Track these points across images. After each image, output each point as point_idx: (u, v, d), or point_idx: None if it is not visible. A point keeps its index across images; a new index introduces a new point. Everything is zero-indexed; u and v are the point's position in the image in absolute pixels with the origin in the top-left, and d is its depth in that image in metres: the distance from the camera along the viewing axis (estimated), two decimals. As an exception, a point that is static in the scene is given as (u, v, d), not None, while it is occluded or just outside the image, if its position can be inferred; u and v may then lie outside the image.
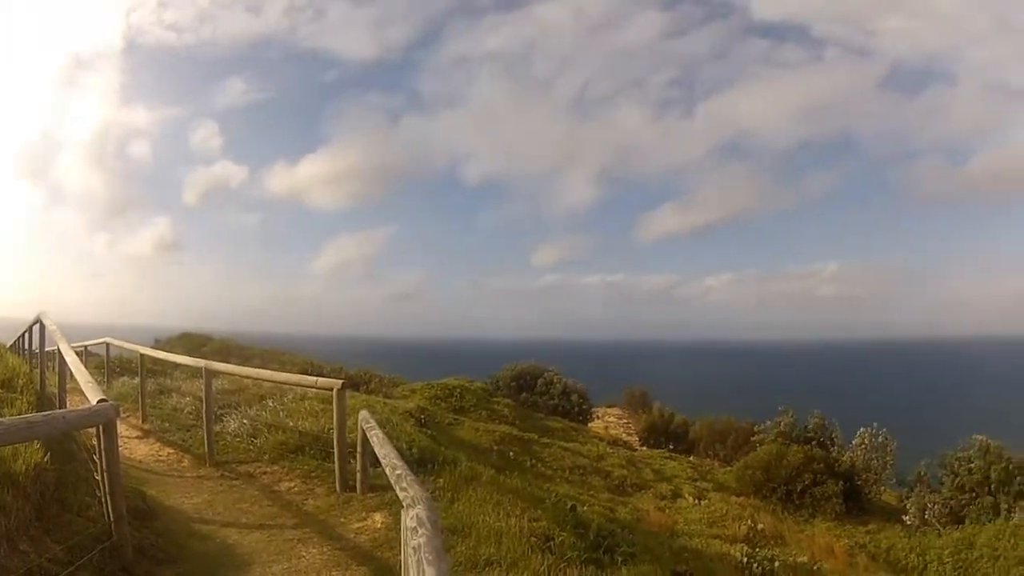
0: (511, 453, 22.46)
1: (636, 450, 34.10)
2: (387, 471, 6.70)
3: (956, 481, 26.90)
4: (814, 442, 30.41)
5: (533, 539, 8.66)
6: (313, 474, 11.71)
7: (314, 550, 8.70)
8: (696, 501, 22.59)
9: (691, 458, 34.92)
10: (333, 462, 11.10)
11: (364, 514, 9.94)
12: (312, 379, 12.35)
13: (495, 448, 22.47)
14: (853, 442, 30.72)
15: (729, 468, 31.93)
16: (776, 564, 13.28)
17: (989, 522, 23.67)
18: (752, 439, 33.41)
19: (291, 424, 13.60)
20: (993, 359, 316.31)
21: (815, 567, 15.42)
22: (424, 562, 4.16)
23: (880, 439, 30.78)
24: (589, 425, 38.91)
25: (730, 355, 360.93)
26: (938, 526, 25.82)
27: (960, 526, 24.17)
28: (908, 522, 27.41)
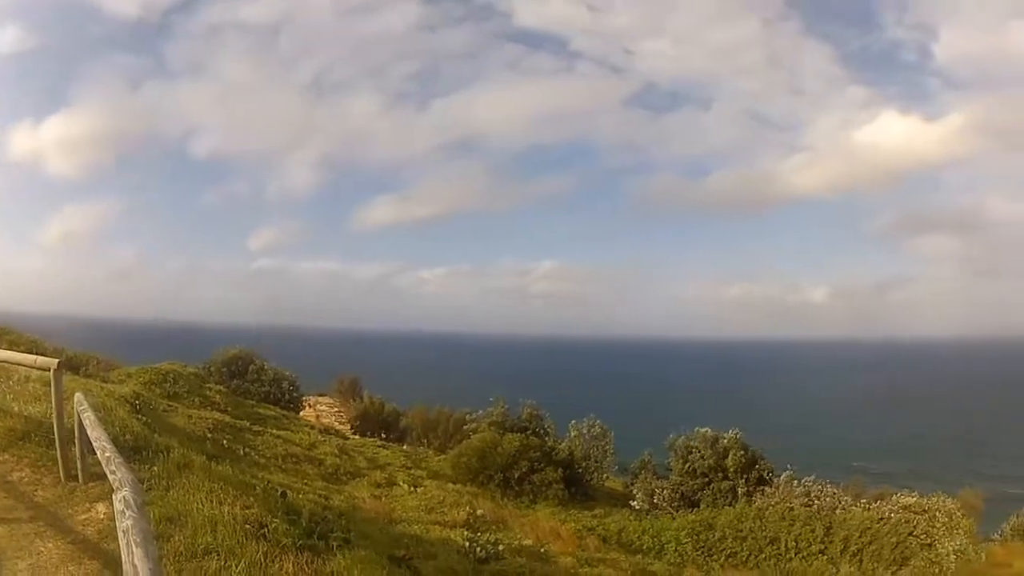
0: (224, 441, 22.00)
1: (348, 438, 34.31)
2: (99, 454, 6.62)
3: (687, 467, 28.57)
4: (528, 431, 31.29)
5: (248, 527, 8.58)
6: (40, 463, 10.98)
7: (51, 544, 8.33)
8: (412, 489, 22.51)
9: (404, 447, 35.39)
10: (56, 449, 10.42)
11: (88, 504, 9.54)
12: (32, 357, 11.52)
13: (209, 436, 21.69)
14: (571, 433, 31.90)
15: (443, 456, 32.57)
16: (500, 548, 13.13)
17: (728, 505, 25.60)
18: (465, 428, 34.35)
19: (16, 409, 12.61)
20: (709, 359, 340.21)
21: (541, 550, 15.39)
22: (133, 544, 4.18)
23: (597, 429, 32.11)
24: (301, 413, 38.98)
25: (443, 346, 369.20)
26: (670, 509, 27.27)
27: (695, 509, 25.81)
28: (637, 506, 28.66)
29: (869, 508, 25.01)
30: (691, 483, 28.28)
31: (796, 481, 26.59)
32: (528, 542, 16.54)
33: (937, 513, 25.08)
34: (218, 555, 7.64)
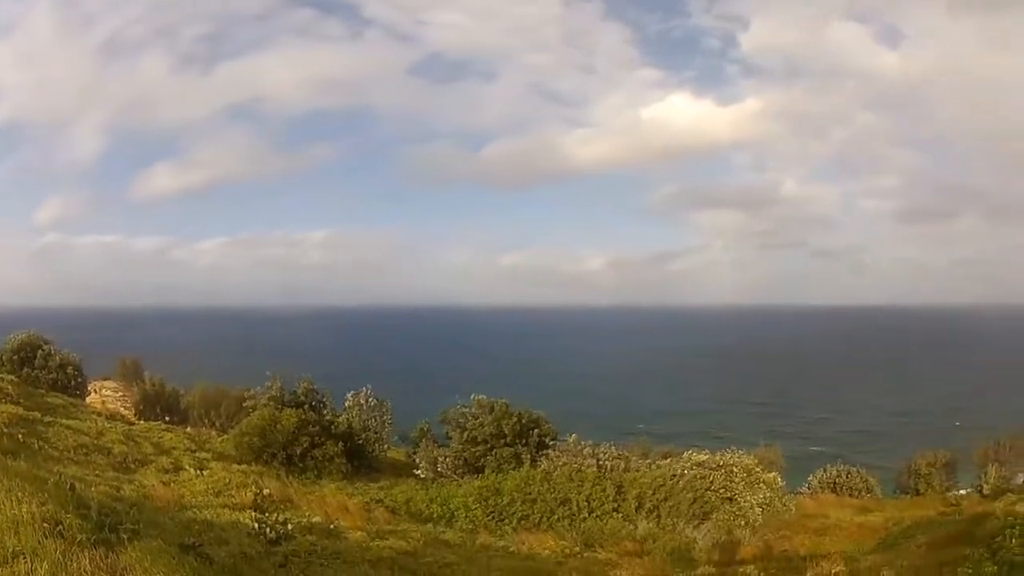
0: (20, 435, 20.90)
1: (134, 424, 33.05)
2: None
3: (466, 435, 28.83)
4: (306, 405, 31.04)
5: (45, 525, 7.98)
6: None
7: None
8: (198, 472, 22.19)
9: (188, 429, 34.52)
10: None
11: None
12: None
13: (4, 430, 20.76)
14: (346, 404, 31.84)
15: (226, 436, 31.82)
16: (290, 527, 13.25)
17: (513, 470, 25.74)
18: (244, 405, 33.56)
19: None
20: (490, 325, 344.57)
21: (331, 526, 15.61)
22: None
23: (374, 400, 32.27)
24: (87, 400, 37.59)
25: (222, 320, 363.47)
26: (455, 476, 27.60)
27: (481, 475, 25.76)
28: (422, 475, 29.18)
29: (659, 466, 25.76)
30: (473, 450, 28.76)
31: (581, 443, 26.96)
32: (317, 519, 16.42)
33: (734, 468, 25.80)
34: (24, 557, 7.26)
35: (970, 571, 12.72)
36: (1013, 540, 13.12)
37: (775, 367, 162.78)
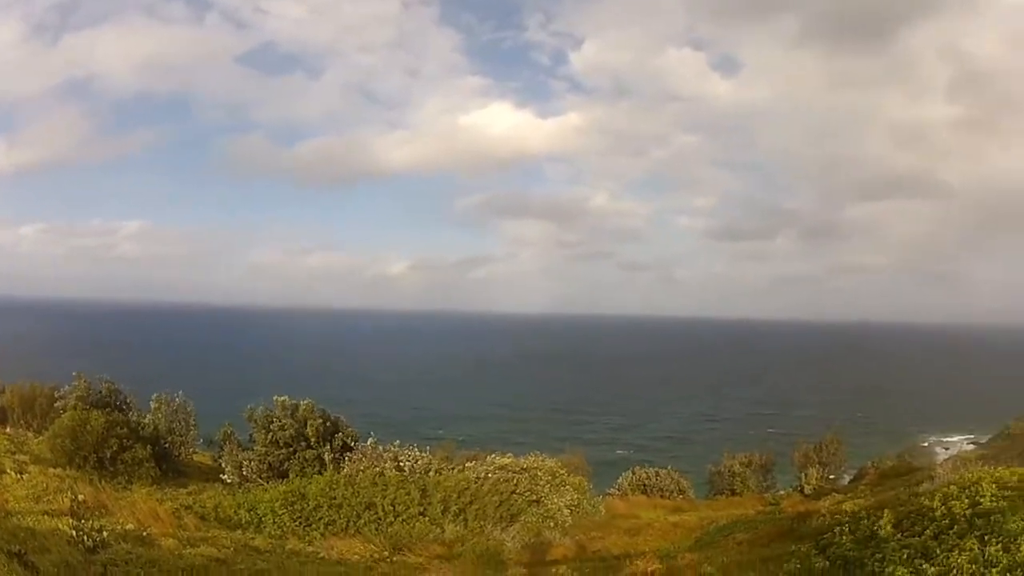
0: None
1: (-43, 427, 31.92)
2: None
3: (269, 437, 28.98)
4: (111, 407, 31.03)
5: None
6: None
7: None
8: (19, 476, 21.99)
9: (8, 430, 33.46)
10: None
11: None
12: None
13: None
14: (152, 405, 31.64)
15: (41, 438, 30.94)
16: (105, 534, 13.54)
17: (317, 474, 26.18)
18: (55, 405, 33.04)
19: None
20: (296, 327, 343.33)
21: (144, 533, 15.82)
22: None
23: (179, 401, 32.20)
24: None
25: (37, 312, 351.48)
26: (261, 481, 27.59)
27: (285, 480, 26.16)
28: (228, 480, 28.94)
29: (463, 469, 26.59)
30: (276, 453, 28.98)
31: (383, 446, 27.65)
32: (130, 526, 16.69)
33: (539, 472, 26.92)
34: None
35: (798, 566, 13.36)
36: (844, 536, 13.83)
37: (580, 374, 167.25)
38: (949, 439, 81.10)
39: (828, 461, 44.29)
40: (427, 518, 22.88)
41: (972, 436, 75.49)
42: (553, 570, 17.00)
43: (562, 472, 28.56)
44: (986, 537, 10.73)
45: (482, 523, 23.20)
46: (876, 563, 11.84)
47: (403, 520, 22.52)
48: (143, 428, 29.92)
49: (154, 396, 32.05)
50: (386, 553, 18.62)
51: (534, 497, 25.72)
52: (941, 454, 54.67)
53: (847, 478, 44.87)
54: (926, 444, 67.92)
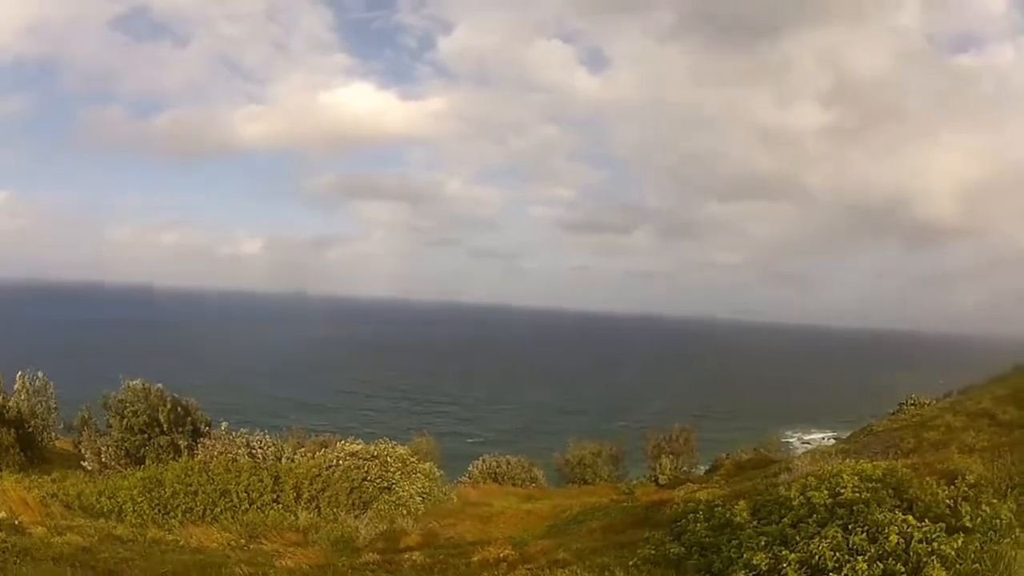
0: None
1: None
2: None
3: (124, 423, 29.41)
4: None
5: None
6: None
7: None
8: None
9: None
10: None
11: None
12: None
13: None
14: (15, 387, 31.65)
15: None
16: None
17: (173, 460, 26.65)
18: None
19: None
20: (151, 306, 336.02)
21: (16, 522, 16.42)
22: None
23: (39, 383, 32.34)
24: None
25: None
26: (119, 468, 28.06)
27: (143, 466, 26.42)
28: (88, 467, 29.37)
29: (315, 457, 27.49)
30: (132, 439, 29.24)
31: (235, 432, 28.47)
32: (3, 515, 17.19)
33: (389, 459, 28.04)
34: None
35: (653, 551, 13.59)
36: (698, 524, 14.16)
37: (429, 362, 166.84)
38: (809, 436, 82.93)
39: (681, 451, 45.56)
40: (280, 505, 23.56)
41: (834, 434, 76.85)
42: (406, 556, 17.22)
43: (412, 459, 29.55)
44: (850, 526, 11.00)
45: (335, 510, 23.89)
46: (733, 549, 12.23)
47: (257, 507, 23.15)
48: (7, 411, 29.74)
49: (19, 374, 31.87)
50: (242, 541, 19.21)
51: (385, 484, 26.81)
52: (800, 448, 55.39)
53: (703, 469, 45.28)
54: (785, 440, 68.84)
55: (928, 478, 12.75)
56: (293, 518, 22.67)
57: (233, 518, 22.21)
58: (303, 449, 29.94)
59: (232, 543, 18.96)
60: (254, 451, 26.82)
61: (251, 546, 18.83)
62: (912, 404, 37.90)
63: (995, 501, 11.39)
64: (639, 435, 50.64)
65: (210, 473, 23.78)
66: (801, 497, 12.81)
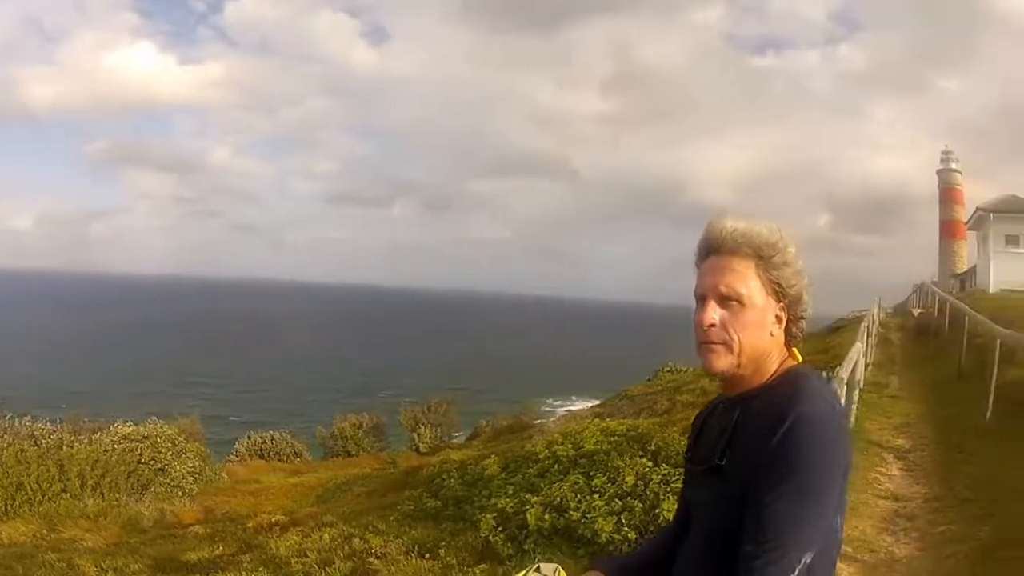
0: None
1: None
2: None
3: None
4: None
5: None
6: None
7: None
8: None
9: None
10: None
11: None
12: None
13: None
14: None
15: None
16: None
17: None
18: None
19: None
20: None
21: None
22: None
23: None
24: None
25: None
26: None
27: None
28: None
29: (92, 442, 27.75)
30: None
31: (17, 422, 28.28)
32: None
33: (159, 439, 29.25)
34: None
35: (412, 507, 14.76)
36: (452, 480, 15.33)
37: (195, 340, 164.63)
38: (569, 404, 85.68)
39: (440, 422, 48.18)
40: (68, 494, 23.71)
41: (597, 402, 78.08)
42: (189, 531, 18.66)
43: (181, 439, 30.78)
44: (591, 473, 11.96)
45: (117, 495, 24.38)
46: (484, 499, 13.35)
47: (49, 498, 23.26)
48: None
49: None
50: (44, 531, 19.87)
51: (159, 466, 27.87)
52: (559, 414, 58.02)
53: (464, 437, 48.36)
54: (546, 409, 70.40)
55: (671, 429, 13.91)
56: (83, 505, 23.07)
57: (31, 511, 22.33)
58: (81, 436, 29.61)
59: (36, 534, 19.64)
60: (38, 441, 26.62)
61: (52, 536, 19.55)
62: (668, 371, 41.34)
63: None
64: (400, 407, 52.27)
65: (3, 466, 23.75)
66: (547, 451, 14.26)
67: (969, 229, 63.59)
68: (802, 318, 2.68)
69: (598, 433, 14.14)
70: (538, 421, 41.45)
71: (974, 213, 57.04)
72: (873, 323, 30.73)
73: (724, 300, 2.56)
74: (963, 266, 67.94)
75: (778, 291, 2.60)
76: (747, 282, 2.56)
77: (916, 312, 43.41)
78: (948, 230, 74.53)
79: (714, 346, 2.57)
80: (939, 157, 78.49)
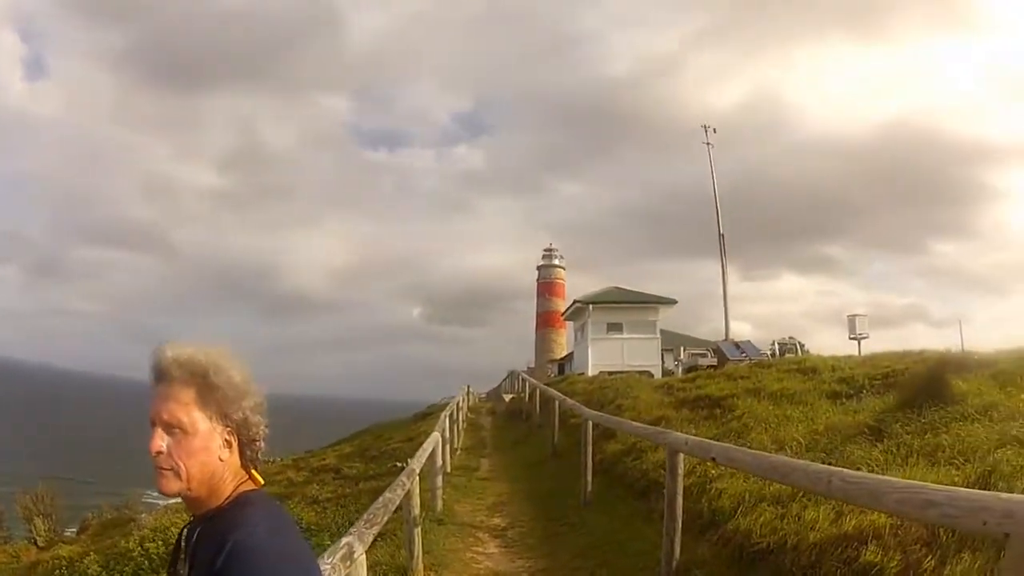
0: None
1: None
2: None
3: None
4: None
5: None
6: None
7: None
8: None
9: None
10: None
11: None
12: None
13: None
14: None
15: None
16: None
17: None
18: None
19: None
20: None
21: None
22: None
23: None
24: None
25: None
26: None
27: None
28: None
29: None
30: None
31: None
32: None
33: None
34: None
35: None
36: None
37: None
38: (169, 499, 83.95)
39: (50, 512, 46.60)
40: None
41: None
42: None
43: None
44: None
45: None
46: None
47: None
48: None
49: None
50: None
51: None
52: (161, 506, 57.33)
53: (75, 530, 45.53)
54: (147, 501, 68.90)
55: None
56: None
57: None
58: None
59: None
60: None
61: None
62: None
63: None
64: (13, 495, 50.36)
65: None
66: (140, 548, 14.98)
67: (567, 319, 69.23)
68: (255, 440, 2.78)
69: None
70: (142, 515, 41.30)
71: (571, 305, 61.92)
72: (459, 409, 32.97)
73: (169, 428, 2.64)
74: (561, 352, 73.12)
75: (224, 416, 2.69)
76: (189, 411, 2.64)
77: (508, 398, 46.40)
78: (545, 320, 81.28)
79: (164, 471, 2.64)
80: (540, 254, 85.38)
